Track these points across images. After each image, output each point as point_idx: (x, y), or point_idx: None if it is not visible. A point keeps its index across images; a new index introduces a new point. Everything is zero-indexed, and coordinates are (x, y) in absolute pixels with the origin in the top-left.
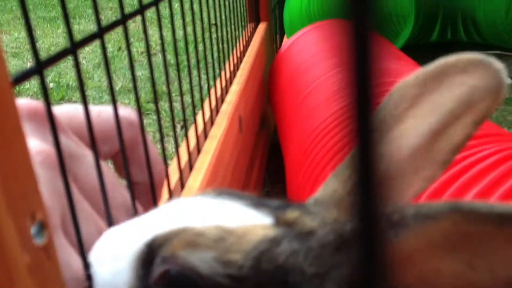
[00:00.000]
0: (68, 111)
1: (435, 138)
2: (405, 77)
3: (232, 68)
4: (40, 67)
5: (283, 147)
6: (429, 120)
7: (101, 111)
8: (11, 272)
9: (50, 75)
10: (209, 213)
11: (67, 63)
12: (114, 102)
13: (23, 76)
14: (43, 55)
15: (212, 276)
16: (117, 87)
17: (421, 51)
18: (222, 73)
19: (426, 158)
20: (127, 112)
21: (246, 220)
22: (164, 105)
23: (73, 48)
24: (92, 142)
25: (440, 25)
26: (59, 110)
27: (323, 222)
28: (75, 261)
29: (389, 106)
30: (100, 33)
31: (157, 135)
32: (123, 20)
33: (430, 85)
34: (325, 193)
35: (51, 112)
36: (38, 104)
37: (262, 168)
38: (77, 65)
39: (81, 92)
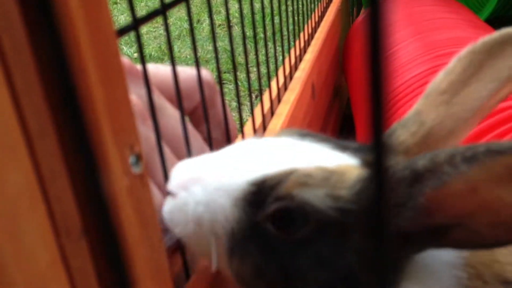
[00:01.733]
0: (151, 69)
1: (490, 100)
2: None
3: (306, 38)
4: (136, 23)
5: (355, 118)
6: (489, 85)
7: (181, 71)
8: (114, 192)
9: (134, 46)
10: (303, 154)
11: (149, 35)
12: (197, 63)
13: (122, 30)
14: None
15: (324, 210)
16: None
17: (509, 22)
18: (297, 42)
19: (478, 115)
20: (204, 73)
21: (337, 161)
22: (240, 75)
23: (163, 9)
24: (178, 95)
25: None
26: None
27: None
28: (157, 195)
29: (458, 69)
30: None
31: (233, 104)
32: None
33: (494, 53)
34: (392, 141)
35: (144, 63)
36: (126, 60)
37: (334, 137)
38: (166, 24)
39: (169, 50)
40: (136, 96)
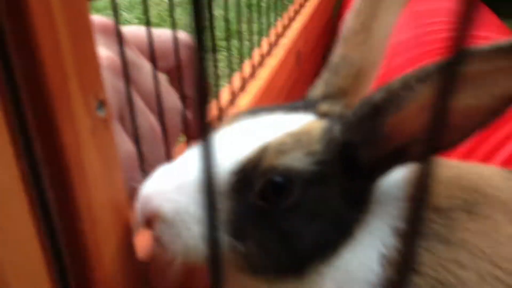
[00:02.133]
0: (132, 30)
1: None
2: (480, 24)
3: (298, 7)
4: None
5: None
6: (393, 9)
7: (162, 33)
8: (78, 132)
9: (134, 12)
10: (267, 129)
11: (150, 1)
12: (174, 25)
13: None
14: None
15: (306, 168)
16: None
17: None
18: (284, 13)
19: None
20: (184, 35)
21: (298, 123)
22: (238, 43)
23: None
24: (151, 53)
25: None
26: (126, 28)
27: (344, 106)
28: (127, 143)
29: (364, 8)
30: None
31: (226, 71)
32: None
33: None
34: (329, 89)
35: (118, 25)
36: (108, 21)
37: None
38: None
39: (145, 14)
40: (115, 54)
